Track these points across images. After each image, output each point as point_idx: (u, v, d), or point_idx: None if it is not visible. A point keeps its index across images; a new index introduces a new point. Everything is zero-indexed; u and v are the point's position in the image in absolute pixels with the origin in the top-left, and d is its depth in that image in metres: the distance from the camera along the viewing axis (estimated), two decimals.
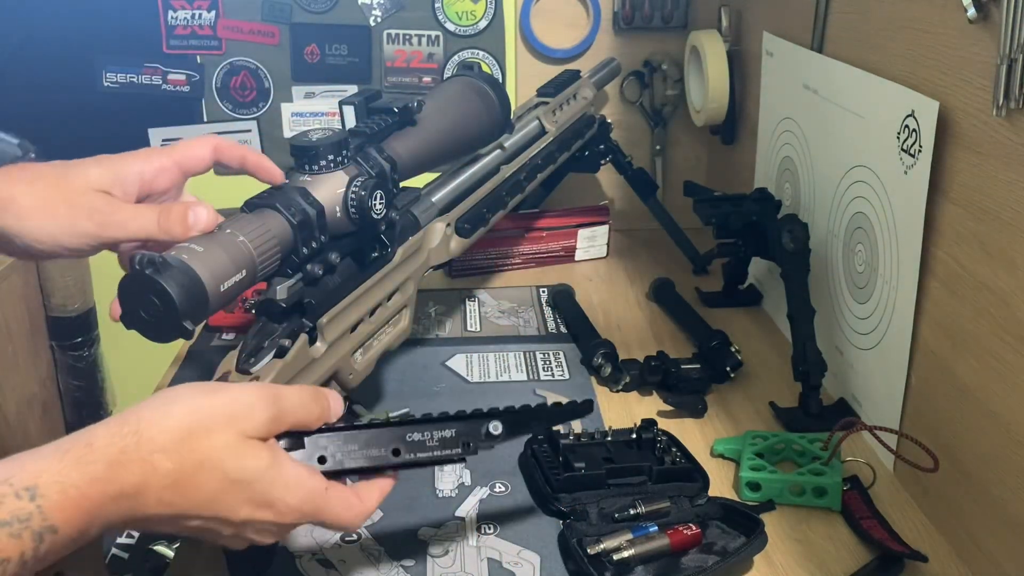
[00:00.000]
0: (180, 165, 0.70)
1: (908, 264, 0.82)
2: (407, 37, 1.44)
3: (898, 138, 0.82)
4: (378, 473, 0.63)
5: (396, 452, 0.62)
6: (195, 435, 0.51)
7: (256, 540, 0.57)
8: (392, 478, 0.64)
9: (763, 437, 0.88)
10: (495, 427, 0.64)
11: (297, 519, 0.57)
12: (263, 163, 0.71)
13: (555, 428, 0.87)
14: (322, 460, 0.60)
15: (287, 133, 1.48)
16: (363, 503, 0.61)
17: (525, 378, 1.03)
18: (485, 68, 1.45)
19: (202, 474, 0.51)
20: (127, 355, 1.52)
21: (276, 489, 0.54)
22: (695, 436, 0.92)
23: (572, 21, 1.42)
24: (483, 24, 1.44)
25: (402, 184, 0.83)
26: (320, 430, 0.60)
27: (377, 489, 0.63)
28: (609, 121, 1.33)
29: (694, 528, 0.75)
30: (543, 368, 1.05)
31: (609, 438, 0.86)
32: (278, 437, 0.57)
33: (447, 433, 0.63)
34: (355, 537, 0.78)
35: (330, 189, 0.72)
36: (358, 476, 0.63)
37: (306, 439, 0.59)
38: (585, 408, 0.70)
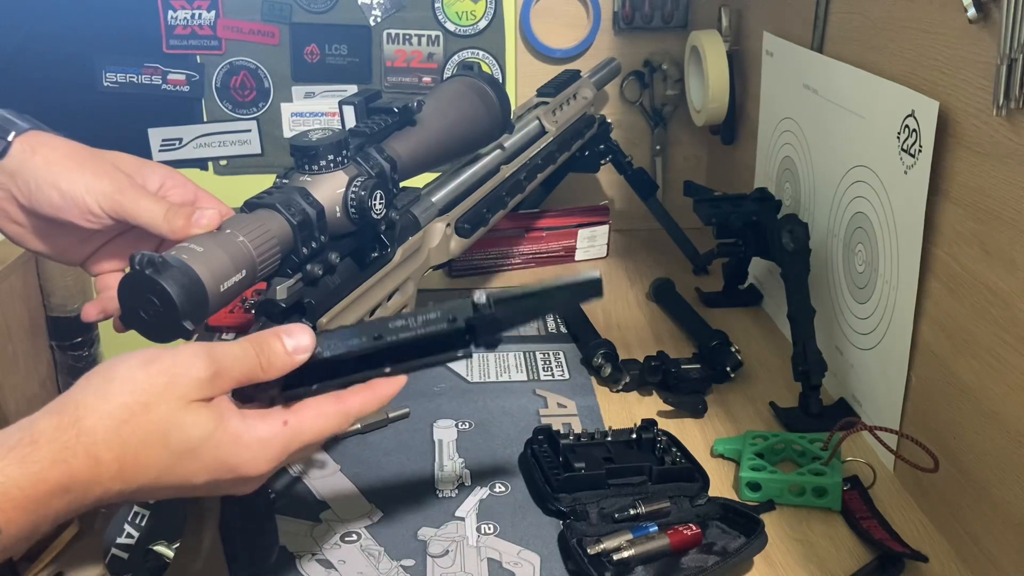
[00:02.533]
0: (196, 196, 0.72)
1: (908, 264, 0.82)
2: (407, 37, 1.44)
3: (898, 138, 0.82)
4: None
5: (378, 337, 0.58)
6: (135, 415, 0.49)
7: (235, 493, 0.55)
8: (394, 381, 0.60)
9: (763, 437, 0.88)
10: (479, 296, 0.59)
11: (270, 467, 0.54)
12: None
13: (555, 428, 0.88)
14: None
15: (287, 133, 1.48)
16: (344, 403, 0.58)
17: (525, 378, 1.03)
18: (485, 68, 1.45)
19: (146, 453, 0.50)
20: None
21: (227, 451, 0.52)
22: (695, 436, 0.92)
23: (572, 21, 1.42)
24: (483, 24, 1.44)
25: (402, 184, 0.83)
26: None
27: (366, 390, 0.59)
28: (609, 121, 1.33)
29: (694, 528, 0.75)
30: (543, 368, 1.05)
31: (609, 438, 0.86)
32: (254, 392, 0.55)
33: (431, 315, 0.59)
34: (355, 537, 0.78)
35: (330, 189, 0.72)
36: (355, 382, 0.59)
37: None
38: (592, 289, 0.60)
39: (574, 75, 1.26)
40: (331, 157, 0.72)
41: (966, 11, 0.70)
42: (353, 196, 0.72)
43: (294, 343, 0.57)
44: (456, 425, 0.94)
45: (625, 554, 0.73)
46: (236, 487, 0.55)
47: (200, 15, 1.41)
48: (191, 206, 0.67)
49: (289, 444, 0.55)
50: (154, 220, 0.66)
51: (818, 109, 1.02)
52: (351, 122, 0.81)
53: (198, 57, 1.44)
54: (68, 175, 0.66)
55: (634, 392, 1.01)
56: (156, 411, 0.50)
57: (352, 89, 1.46)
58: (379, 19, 1.43)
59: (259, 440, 0.54)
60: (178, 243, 0.62)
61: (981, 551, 0.73)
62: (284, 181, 0.72)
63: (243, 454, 0.53)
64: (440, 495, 0.84)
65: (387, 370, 0.59)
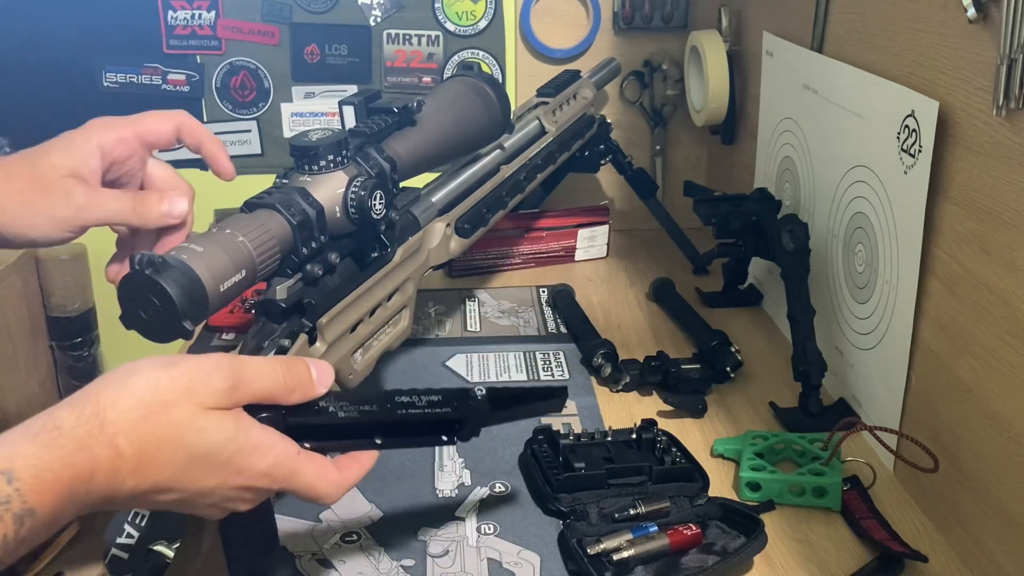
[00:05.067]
0: (140, 137, 0.72)
1: (908, 264, 0.82)
2: (407, 37, 1.44)
3: (898, 138, 0.82)
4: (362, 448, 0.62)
5: (386, 409, 0.61)
6: (154, 412, 0.50)
7: (234, 508, 0.56)
8: (374, 454, 0.62)
9: (763, 437, 0.88)
10: (480, 391, 0.63)
11: (269, 484, 0.56)
12: (218, 155, 0.72)
13: (555, 428, 0.88)
14: (317, 411, 0.58)
15: (287, 133, 1.48)
16: (341, 474, 0.59)
17: (525, 378, 1.03)
18: (485, 68, 1.45)
19: (165, 451, 0.51)
20: (127, 355, 1.51)
21: (242, 456, 0.53)
22: (695, 436, 0.92)
23: (572, 21, 1.43)
24: (483, 24, 1.44)
25: (402, 184, 0.83)
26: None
27: (357, 462, 0.61)
28: (609, 121, 1.33)
29: (694, 528, 0.75)
30: (543, 368, 1.05)
31: (609, 438, 0.86)
32: (265, 412, 0.56)
33: (434, 397, 0.62)
34: (355, 537, 0.78)
35: (330, 189, 0.72)
36: (342, 451, 0.61)
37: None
38: (556, 401, 0.68)
39: (574, 75, 1.26)
40: (331, 157, 0.72)
41: (966, 11, 0.70)
42: (353, 196, 0.72)
43: (318, 375, 0.59)
44: None
45: (625, 554, 0.73)
46: (235, 497, 0.55)
47: (200, 15, 1.42)
48: (158, 193, 0.70)
49: (292, 475, 0.56)
50: (125, 216, 0.68)
51: (818, 109, 1.02)
52: (351, 122, 0.81)
53: (198, 57, 1.44)
54: (27, 220, 0.67)
55: (634, 392, 1.01)
56: (175, 413, 0.51)
57: (352, 89, 1.46)
58: (379, 19, 1.43)
59: (274, 453, 0.55)
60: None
61: (981, 551, 0.73)
62: (284, 181, 0.72)
63: (255, 463, 0.54)
64: (440, 495, 0.84)
65: (378, 441, 0.61)
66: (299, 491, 0.58)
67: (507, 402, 0.66)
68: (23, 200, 0.67)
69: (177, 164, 1.49)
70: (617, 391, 1.01)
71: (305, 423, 0.59)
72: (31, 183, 0.68)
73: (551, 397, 0.69)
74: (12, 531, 0.45)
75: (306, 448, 0.58)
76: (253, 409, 0.56)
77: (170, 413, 0.51)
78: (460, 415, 0.63)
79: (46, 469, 0.46)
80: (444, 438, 0.63)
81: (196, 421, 0.52)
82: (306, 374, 0.58)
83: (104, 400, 0.50)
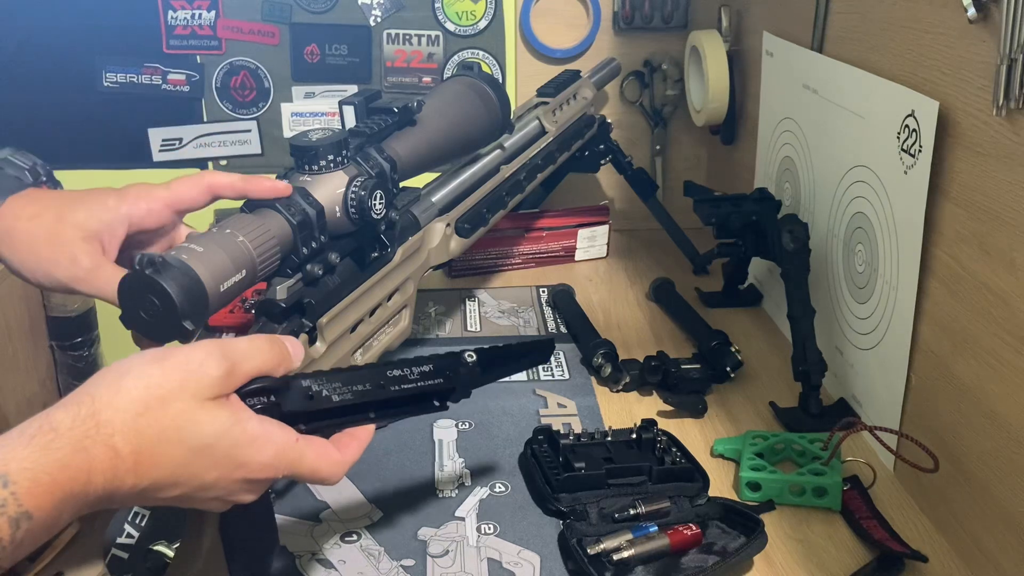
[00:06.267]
0: (171, 206, 0.73)
1: (908, 264, 0.82)
2: (407, 37, 1.44)
3: (898, 138, 0.82)
4: (358, 423, 0.62)
5: (382, 386, 0.61)
6: (151, 409, 0.50)
7: (238, 499, 0.56)
8: (370, 428, 0.62)
9: (763, 437, 0.88)
10: (469, 356, 0.64)
11: (272, 474, 0.56)
12: (263, 187, 0.70)
13: (555, 428, 0.88)
14: (311, 397, 0.58)
15: (287, 133, 1.48)
16: (341, 453, 0.60)
17: (525, 378, 1.03)
18: (485, 68, 1.45)
19: (162, 448, 0.51)
20: (127, 355, 1.52)
21: (242, 449, 0.53)
22: (695, 436, 0.92)
23: (572, 21, 1.42)
24: (483, 24, 1.44)
25: (402, 184, 0.83)
26: (303, 375, 0.59)
27: (356, 439, 0.61)
28: (609, 121, 1.33)
29: (694, 528, 0.75)
30: (543, 368, 1.05)
31: (609, 438, 0.86)
32: (256, 390, 0.56)
33: (426, 368, 0.62)
34: (355, 537, 0.78)
35: (330, 189, 0.72)
36: (337, 429, 0.62)
37: (291, 382, 0.58)
38: (544, 354, 0.70)
39: (574, 75, 1.26)
40: (331, 157, 0.72)
41: (966, 11, 0.70)
42: (353, 196, 0.72)
43: (292, 348, 0.59)
44: (456, 425, 0.94)
45: (625, 554, 0.73)
46: (237, 489, 0.55)
47: (200, 15, 1.41)
48: None
49: (295, 463, 0.56)
50: (114, 298, 0.68)
51: (818, 109, 1.02)
52: (351, 122, 0.81)
53: (198, 57, 1.44)
54: (27, 265, 0.70)
55: (634, 392, 1.01)
56: (172, 407, 0.51)
57: (352, 89, 1.46)
58: (379, 19, 1.43)
59: (274, 444, 0.55)
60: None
61: (981, 551, 0.73)
62: (292, 192, 0.72)
63: (256, 455, 0.54)
64: (440, 495, 0.84)
65: (371, 415, 0.61)
66: (303, 476, 0.58)
67: (497, 362, 0.66)
68: (31, 246, 0.69)
69: (177, 164, 1.50)
70: (617, 391, 1.01)
71: (301, 411, 0.58)
72: (48, 234, 0.69)
73: (538, 351, 0.70)
74: (8, 535, 0.45)
75: (302, 430, 0.58)
76: (247, 398, 0.56)
77: (167, 408, 0.51)
78: (452, 384, 0.63)
79: (42, 472, 0.46)
80: (436, 404, 0.64)
81: (192, 414, 0.52)
82: (284, 348, 0.59)
83: (100, 400, 0.50)
